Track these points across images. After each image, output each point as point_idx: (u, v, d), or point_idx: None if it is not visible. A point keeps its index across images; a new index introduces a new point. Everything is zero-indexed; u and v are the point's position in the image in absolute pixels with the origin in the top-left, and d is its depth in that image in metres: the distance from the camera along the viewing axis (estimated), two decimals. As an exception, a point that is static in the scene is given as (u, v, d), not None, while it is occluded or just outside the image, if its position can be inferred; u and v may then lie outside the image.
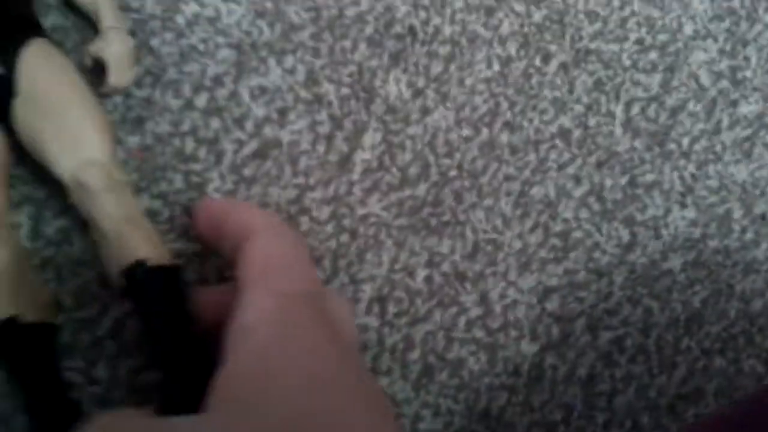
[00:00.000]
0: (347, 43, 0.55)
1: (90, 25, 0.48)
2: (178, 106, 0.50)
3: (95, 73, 0.46)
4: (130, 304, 0.40)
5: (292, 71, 0.53)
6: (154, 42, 0.51)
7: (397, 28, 0.56)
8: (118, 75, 0.46)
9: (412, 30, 0.57)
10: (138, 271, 0.38)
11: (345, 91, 0.54)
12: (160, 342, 0.37)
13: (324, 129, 0.53)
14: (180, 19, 0.52)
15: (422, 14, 0.57)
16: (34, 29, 0.44)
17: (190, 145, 0.50)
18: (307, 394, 0.29)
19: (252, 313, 0.32)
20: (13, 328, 0.37)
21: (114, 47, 0.46)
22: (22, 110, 0.41)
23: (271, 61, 0.53)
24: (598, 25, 0.63)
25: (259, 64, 0.53)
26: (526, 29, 0.60)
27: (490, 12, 0.60)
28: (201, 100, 0.51)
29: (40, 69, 0.42)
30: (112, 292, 0.44)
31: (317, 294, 0.35)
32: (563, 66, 0.61)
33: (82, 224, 0.45)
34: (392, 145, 0.54)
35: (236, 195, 0.49)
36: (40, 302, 0.40)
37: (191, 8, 0.52)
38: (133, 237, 0.39)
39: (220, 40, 0.52)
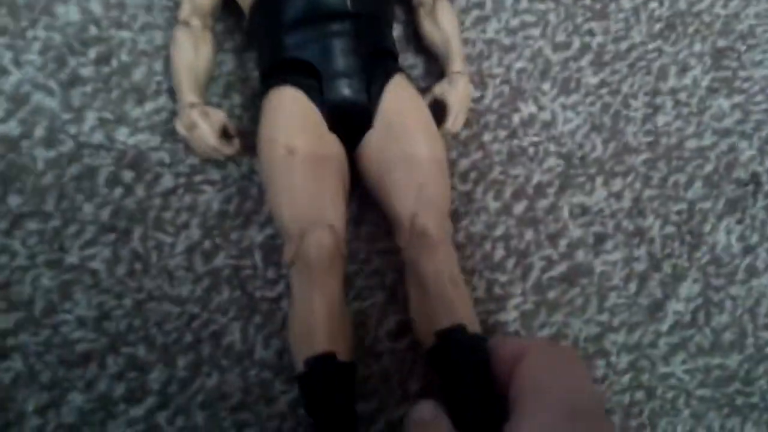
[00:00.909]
0: (682, 178, 0.50)
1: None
2: (496, 208, 0.47)
3: (432, 113, 0.44)
4: (434, 365, 0.37)
5: (618, 196, 0.49)
6: (486, 137, 0.48)
7: (740, 173, 0.51)
8: (455, 121, 0.45)
9: (755, 177, 0.51)
10: (456, 334, 0.36)
11: (670, 229, 0.49)
12: (465, 405, 0.34)
13: (640, 266, 0.47)
14: (516, 119, 0.49)
15: (769, 162, 0.51)
16: (395, 62, 0.45)
17: (499, 253, 0.46)
18: None
19: (527, 428, 0.29)
20: (330, 363, 0.36)
21: (458, 93, 0.45)
22: (376, 141, 0.41)
23: (598, 181, 0.49)
24: None
25: (585, 181, 0.49)
26: None
27: None
28: (519, 208, 0.47)
29: (401, 102, 0.42)
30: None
31: (593, 414, 0.31)
32: None
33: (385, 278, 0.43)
34: (710, 303, 0.48)
35: (536, 318, 0.45)
36: (350, 345, 0.38)
37: (529, 109, 0.49)
38: (455, 299, 0.37)
39: (551, 147, 0.49)
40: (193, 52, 0.44)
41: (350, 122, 0.41)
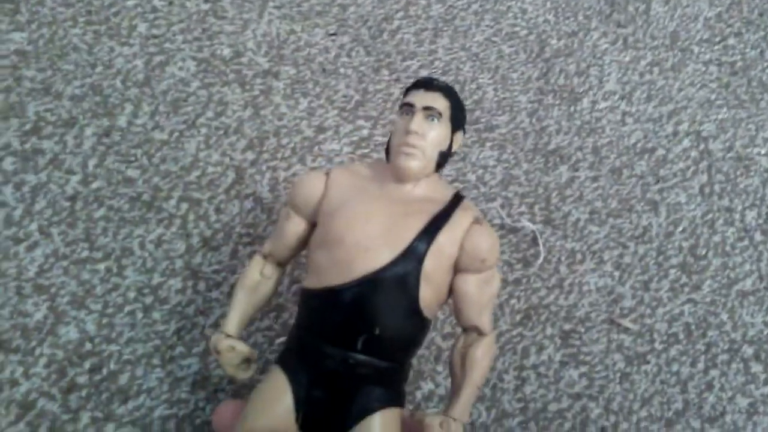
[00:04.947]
0: (549, 434, 0.65)
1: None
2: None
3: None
4: None
5: (501, 453, 0.63)
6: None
7: (591, 428, 0.66)
8: None
9: (604, 431, 0.66)
10: None
11: (543, 477, 0.63)
12: None
13: None
14: (418, 395, 0.64)
15: (612, 418, 0.67)
16: (396, 394, 0.50)
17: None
18: None
19: None
20: None
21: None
22: None
23: (485, 441, 0.63)
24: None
25: (475, 443, 0.63)
26: (701, 445, 0.69)
27: (669, 424, 0.69)
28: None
29: None
30: None
31: None
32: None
33: None
34: None
35: None
36: None
37: (428, 386, 0.64)
38: None
39: (448, 417, 0.63)
40: (255, 286, 0.54)
41: (320, 422, 0.48)
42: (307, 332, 0.50)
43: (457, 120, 0.53)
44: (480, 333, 0.51)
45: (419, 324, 0.50)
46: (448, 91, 0.53)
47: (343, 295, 0.48)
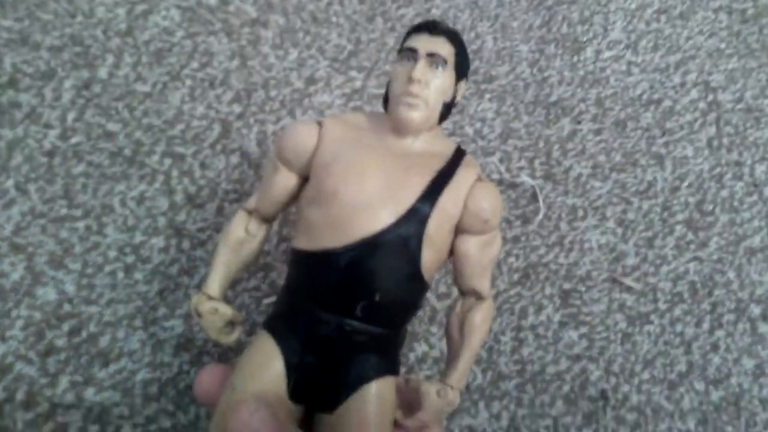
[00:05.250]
0: (546, 398, 0.63)
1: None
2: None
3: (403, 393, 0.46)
4: None
5: (497, 416, 0.61)
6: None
7: (591, 391, 0.64)
8: (418, 426, 0.45)
9: (603, 394, 0.64)
10: None
11: (540, 442, 0.61)
12: None
13: (519, 475, 0.59)
14: (411, 357, 0.62)
15: (613, 380, 0.65)
16: (391, 362, 0.47)
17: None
18: None
19: None
20: None
21: (439, 409, 0.45)
22: (330, 425, 0.44)
23: (481, 405, 0.61)
24: (770, 409, 0.69)
25: (470, 406, 0.61)
26: (704, 407, 0.66)
27: (672, 386, 0.66)
28: (419, 432, 0.58)
29: (367, 416, 0.43)
30: None
31: None
32: (738, 446, 0.66)
33: None
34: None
35: None
36: None
37: (422, 348, 0.62)
38: None
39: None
40: (239, 244, 0.50)
41: (312, 389, 0.44)
42: (299, 296, 0.46)
43: (462, 68, 0.49)
44: (479, 297, 0.48)
45: (419, 289, 0.47)
46: (453, 36, 0.48)
47: (339, 259, 0.44)
